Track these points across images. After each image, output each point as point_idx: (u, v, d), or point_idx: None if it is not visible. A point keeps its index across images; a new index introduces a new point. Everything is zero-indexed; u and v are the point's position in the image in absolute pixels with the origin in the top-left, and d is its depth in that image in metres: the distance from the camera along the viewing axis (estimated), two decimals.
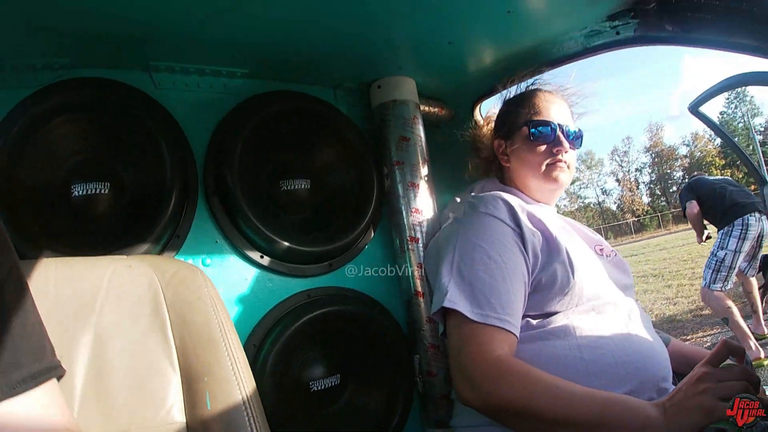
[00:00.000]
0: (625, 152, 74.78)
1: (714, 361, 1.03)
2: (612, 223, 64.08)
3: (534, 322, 1.30)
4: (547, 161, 1.53)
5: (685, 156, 66.90)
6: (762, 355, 4.31)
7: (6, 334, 0.58)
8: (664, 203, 67.57)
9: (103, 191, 1.42)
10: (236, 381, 0.91)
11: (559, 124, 1.54)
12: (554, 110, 1.58)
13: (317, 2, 1.28)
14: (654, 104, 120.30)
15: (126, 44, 1.38)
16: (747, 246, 4.57)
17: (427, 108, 2.02)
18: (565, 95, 1.69)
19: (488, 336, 1.17)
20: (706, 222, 5.05)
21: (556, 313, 1.30)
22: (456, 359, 1.20)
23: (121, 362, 0.87)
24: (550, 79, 1.74)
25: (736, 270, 4.65)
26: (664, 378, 1.26)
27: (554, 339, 1.25)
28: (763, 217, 4.45)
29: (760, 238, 4.64)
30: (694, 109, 3.91)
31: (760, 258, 4.90)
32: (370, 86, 1.87)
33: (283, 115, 1.70)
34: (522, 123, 1.58)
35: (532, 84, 1.72)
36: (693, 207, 4.91)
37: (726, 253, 4.54)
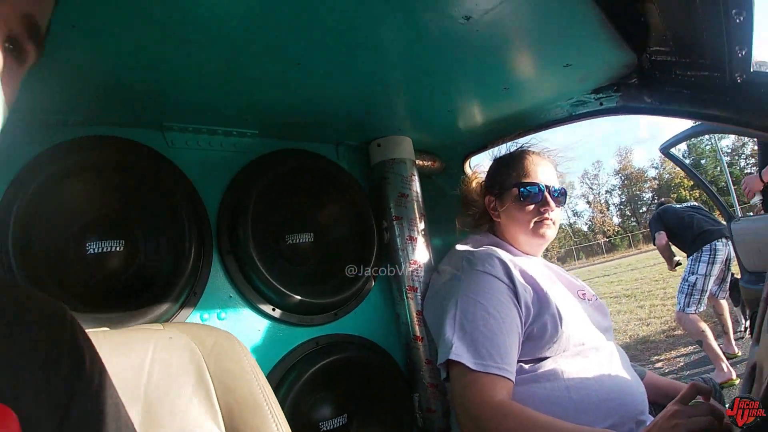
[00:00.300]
0: (595, 175, 76.14)
1: (684, 400, 1.19)
2: (584, 244, 64.95)
3: (527, 366, 1.45)
4: (535, 219, 1.69)
5: (654, 178, 68.21)
6: (733, 375, 4.48)
7: None
8: (634, 223, 68.60)
9: (117, 249, 1.47)
10: None
11: (546, 185, 1.70)
12: (541, 171, 1.74)
13: (327, 69, 1.37)
14: (623, 128, 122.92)
15: (140, 105, 1.42)
16: (716, 270, 4.78)
17: (420, 162, 2.15)
18: (551, 155, 1.85)
19: (490, 383, 1.33)
20: (675, 248, 5.26)
21: (546, 358, 1.47)
22: (461, 403, 1.35)
23: (172, 429, 0.94)
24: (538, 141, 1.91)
25: (708, 293, 4.85)
26: (641, 411, 1.43)
27: (545, 381, 1.42)
28: (729, 242, 4.66)
29: (727, 262, 4.85)
30: (665, 150, 4.17)
31: (729, 281, 5.10)
32: (370, 144, 1.99)
33: (290, 173, 1.80)
34: (512, 184, 1.73)
35: (520, 146, 1.88)
36: (661, 238, 5.14)
37: (697, 278, 4.75)
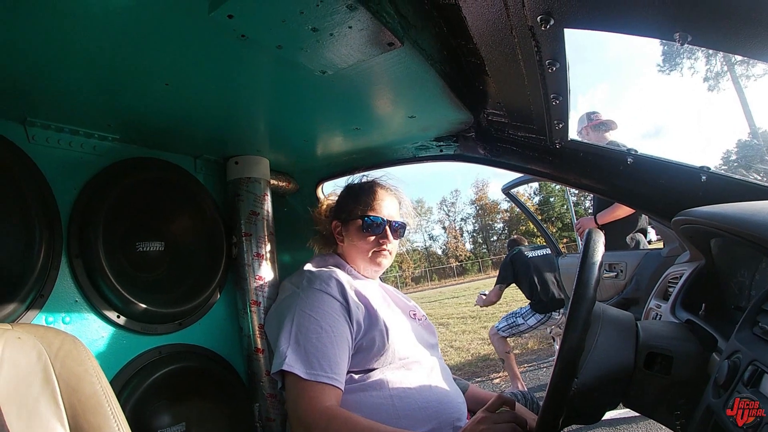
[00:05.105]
0: (452, 203, 79.51)
1: (491, 408, 1.41)
2: (437, 267, 67.65)
3: (356, 376, 1.62)
4: (374, 249, 1.86)
5: (506, 210, 72.28)
6: (525, 390, 4.99)
7: None
8: (485, 250, 72.36)
9: None
10: None
11: (388, 220, 1.87)
12: (385, 206, 1.90)
13: (193, 91, 1.44)
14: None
15: (4, 95, 1.38)
16: (541, 327, 5.31)
17: (276, 182, 2.25)
18: (396, 192, 2.02)
19: (319, 391, 1.46)
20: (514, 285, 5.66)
21: (374, 369, 1.63)
22: (293, 410, 1.47)
23: (18, 426, 0.97)
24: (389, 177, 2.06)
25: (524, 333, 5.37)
26: (458, 419, 1.63)
27: (372, 390, 1.58)
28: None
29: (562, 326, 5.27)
30: (506, 191, 4.63)
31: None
32: (228, 160, 2.06)
33: (146, 181, 1.82)
34: (357, 214, 1.88)
35: (371, 179, 2.03)
36: (495, 295, 5.62)
37: (523, 324, 5.25)
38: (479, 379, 6.28)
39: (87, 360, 1.14)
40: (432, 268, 66.24)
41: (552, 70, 1.17)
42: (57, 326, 1.55)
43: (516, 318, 5.31)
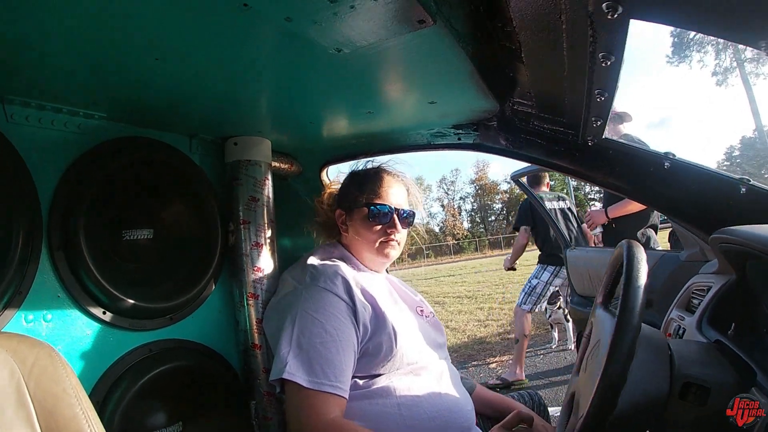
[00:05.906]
0: (452, 182, 79.96)
1: (508, 425, 1.34)
2: (434, 244, 68.04)
3: (361, 382, 1.50)
4: (381, 239, 1.73)
5: (506, 191, 72.78)
6: (523, 376, 5.06)
7: None
8: (482, 230, 72.98)
9: None
10: None
11: (396, 208, 1.74)
12: (393, 193, 1.76)
13: (188, 65, 1.28)
14: None
15: None
16: (558, 282, 5.24)
17: (277, 164, 2.10)
18: (404, 179, 1.88)
19: (322, 400, 1.35)
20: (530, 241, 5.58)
21: (380, 375, 1.52)
22: (295, 420, 1.37)
23: None
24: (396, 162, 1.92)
25: (545, 298, 5.33)
26: (468, 427, 1.54)
27: (377, 398, 1.47)
28: None
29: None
30: (516, 178, 4.52)
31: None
32: (226, 141, 1.91)
33: (136, 163, 1.66)
34: (363, 202, 1.74)
35: (378, 164, 1.89)
36: (523, 237, 5.48)
37: (539, 282, 5.22)
38: (475, 362, 6.21)
39: (65, 377, 1.02)
40: (429, 245, 66.57)
41: (606, 64, 1.02)
42: (38, 325, 1.43)
43: (530, 282, 5.31)
